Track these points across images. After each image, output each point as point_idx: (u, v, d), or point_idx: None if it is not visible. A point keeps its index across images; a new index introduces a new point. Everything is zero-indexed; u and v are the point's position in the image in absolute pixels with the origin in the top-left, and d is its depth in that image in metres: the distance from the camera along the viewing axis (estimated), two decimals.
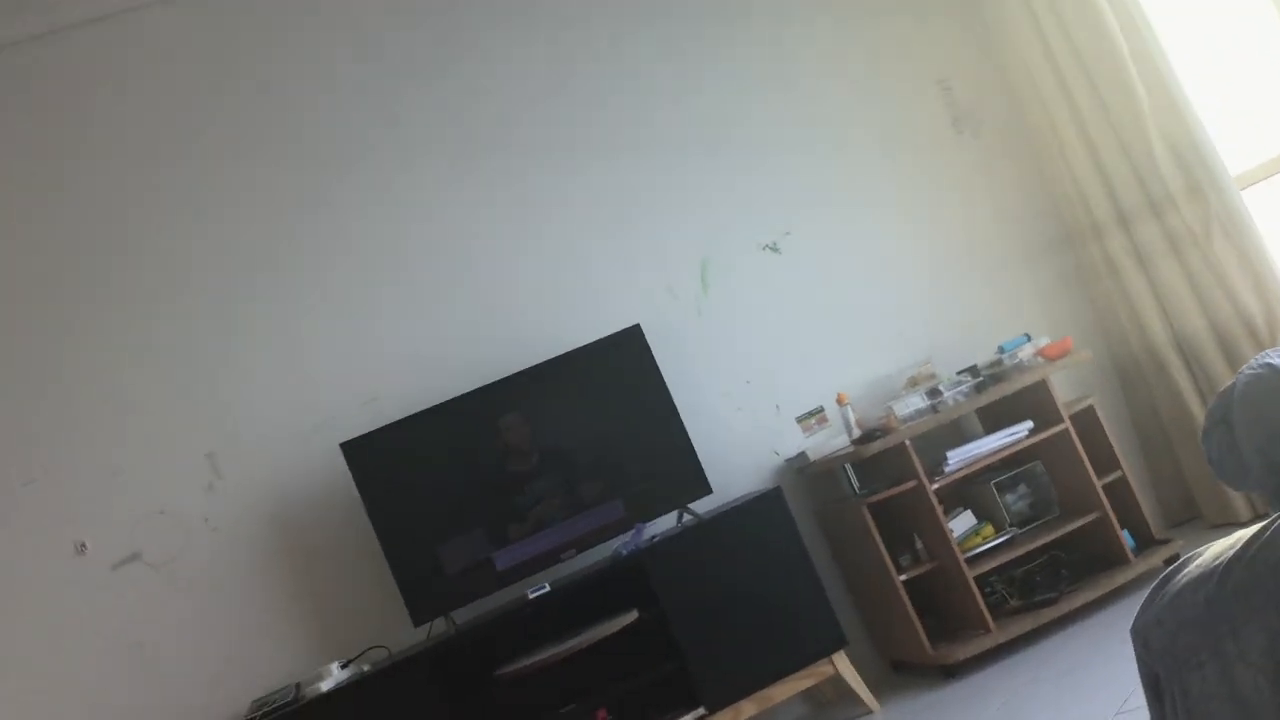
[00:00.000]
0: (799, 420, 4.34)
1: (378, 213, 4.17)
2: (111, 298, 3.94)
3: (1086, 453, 4.02)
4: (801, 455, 4.22)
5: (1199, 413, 4.16)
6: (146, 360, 3.93)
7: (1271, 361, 2.52)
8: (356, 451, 3.76)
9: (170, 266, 3.99)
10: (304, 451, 3.93)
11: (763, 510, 3.87)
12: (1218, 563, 1.25)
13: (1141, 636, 1.31)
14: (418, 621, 3.72)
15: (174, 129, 4.06)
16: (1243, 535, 1.26)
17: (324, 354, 4.04)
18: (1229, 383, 2.58)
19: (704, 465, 3.96)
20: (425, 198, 4.21)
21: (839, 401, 4.16)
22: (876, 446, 3.92)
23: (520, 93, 4.34)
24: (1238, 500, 4.14)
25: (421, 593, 3.74)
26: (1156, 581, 1.35)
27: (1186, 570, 1.30)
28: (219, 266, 4.03)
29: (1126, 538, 4.02)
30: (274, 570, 3.89)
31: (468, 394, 3.87)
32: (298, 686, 3.61)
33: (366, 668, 3.69)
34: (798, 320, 4.41)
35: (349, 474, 3.75)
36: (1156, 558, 3.99)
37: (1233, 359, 4.09)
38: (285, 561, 3.90)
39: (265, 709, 3.53)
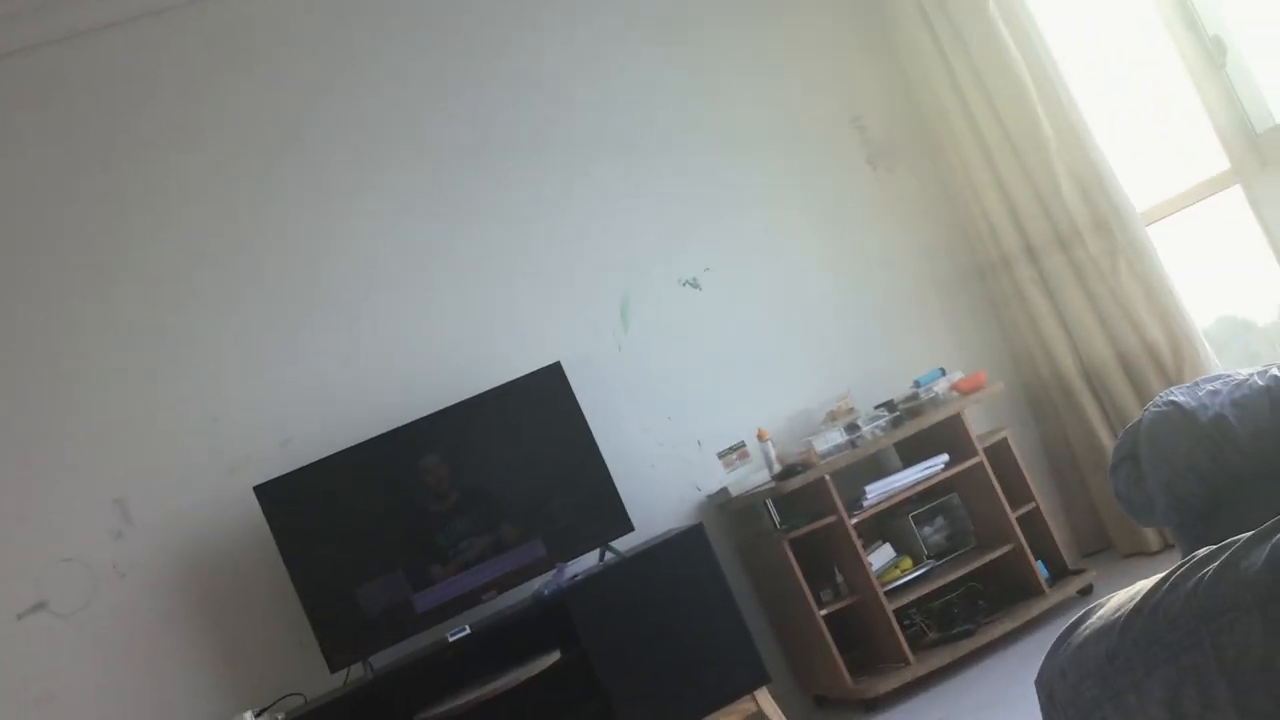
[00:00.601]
0: (720, 456, 4.35)
1: (294, 251, 4.11)
2: (16, 335, 3.83)
3: (1001, 484, 4.09)
4: (723, 491, 4.23)
5: (1109, 443, 4.25)
6: (51, 401, 3.82)
7: (1175, 399, 2.59)
8: (271, 494, 3.70)
9: (77, 304, 3.90)
10: (217, 495, 3.85)
11: (685, 547, 3.87)
12: (1119, 614, 1.27)
13: (1046, 688, 1.32)
14: (334, 667, 3.65)
15: (79, 169, 3.97)
16: (1143, 587, 1.28)
17: (238, 394, 3.97)
18: (1136, 419, 2.65)
19: (625, 502, 3.95)
20: (341, 235, 4.16)
21: (759, 437, 4.19)
22: (797, 482, 3.95)
23: (442, 129, 4.32)
24: (1148, 531, 4.24)
25: (338, 637, 3.67)
26: (1061, 632, 1.37)
27: (1090, 621, 1.32)
28: (129, 304, 3.94)
29: (1041, 568, 4.09)
30: (186, 617, 3.79)
31: (385, 434, 3.83)
32: None
33: (281, 716, 3.61)
34: (718, 355, 4.43)
35: (263, 517, 3.68)
36: (1071, 588, 4.06)
37: (1140, 390, 4.20)
38: (198, 608, 3.81)
39: None
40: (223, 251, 4.05)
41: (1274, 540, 1.15)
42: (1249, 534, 1.19)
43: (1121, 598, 1.30)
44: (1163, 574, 1.26)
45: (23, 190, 3.92)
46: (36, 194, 3.92)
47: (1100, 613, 1.31)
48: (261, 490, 3.69)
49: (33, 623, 3.68)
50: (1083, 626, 1.31)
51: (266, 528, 3.68)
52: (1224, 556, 1.18)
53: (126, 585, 3.76)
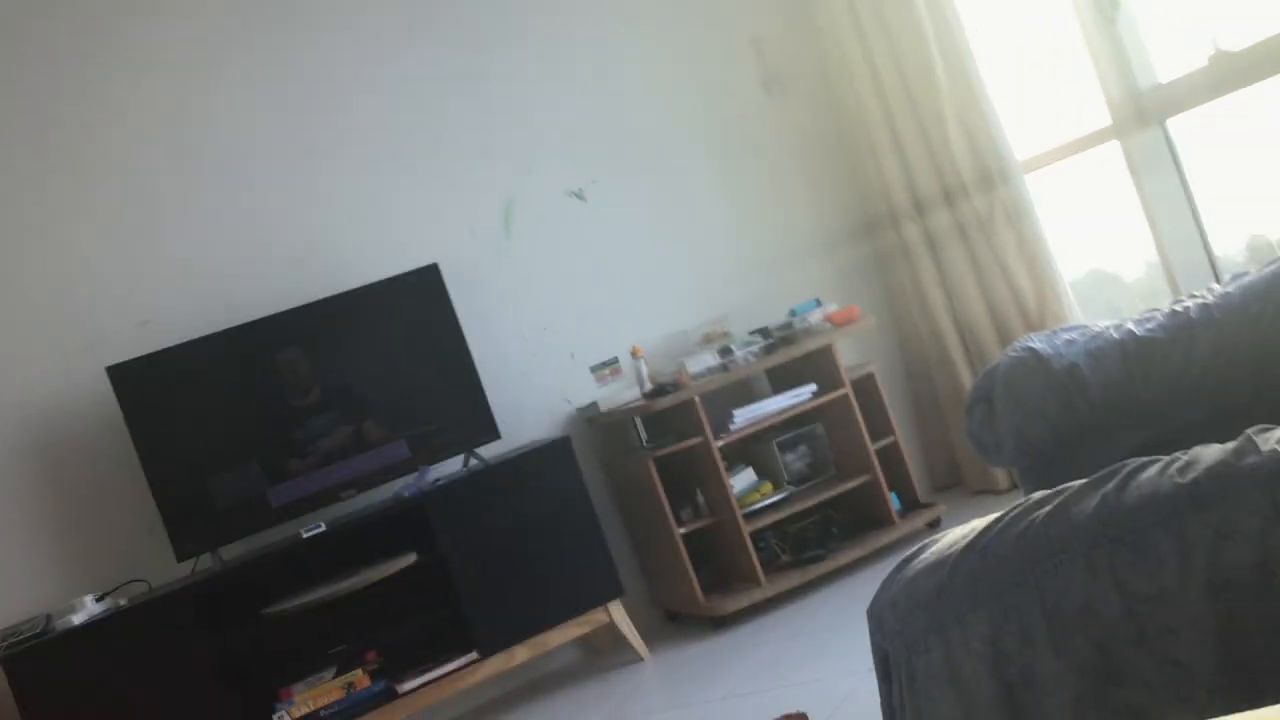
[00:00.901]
0: (593, 370, 4.35)
1: (160, 122, 3.92)
2: None
3: (864, 418, 4.18)
4: (593, 405, 4.23)
5: (969, 384, 4.36)
6: None
7: (1033, 345, 2.66)
8: (124, 376, 3.56)
9: None
10: (68, 372, 3.70)
11: (550, 458, 3.88)
12: (952, 550, 1.30)
13: (876, 618, 1.36)
14: (181, 556, 3.57)
15: None
16: (978, 525, 1.31)
17: (94, 270, 3.80)
18: (994, 363, 2.71)
19: (494, 410, 3.93)
20: (213, 108, 3.98)
21: (633, 354, 4.19)
22: (667, 401, 3.97)
23: (330, 22, 4.14)
24: (998, 471, 4.38)
25: (187, 527, 3.59)
26: (896, 565, 1.40)
27: (923, 555, 1.35)
28: None
29: (894, 500, 4.21)
30: (26, 495, 3.66)
31: (250, 323, 3.72)
32: (48, 618, 3.42)
33: (124, 601, 3.53)
34: (598, 270, 4.40)
35: (115, 399, 3.55)
36: (920, 520, 4.19)
37: (1005, 336, 4.31)
38: (40, 486, 3.67)
39: (11, 640, 3.34)
40: (84, 118, 3.84)
41: (1105, 489, 1.19)
42: (1083, 481, 1.22)
43: (955, 535, 1.34)
44: (997, 514, 1.29)
45: None
46: None
47: (934, 548, 1.34)
48: (115, 370, 3.56)
49: None
50: (916, 560, 1.34)
51: (119, 410, 3.56)
52: (1057, 501, 1.22)
53: None
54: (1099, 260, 4.67)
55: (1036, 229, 4.20)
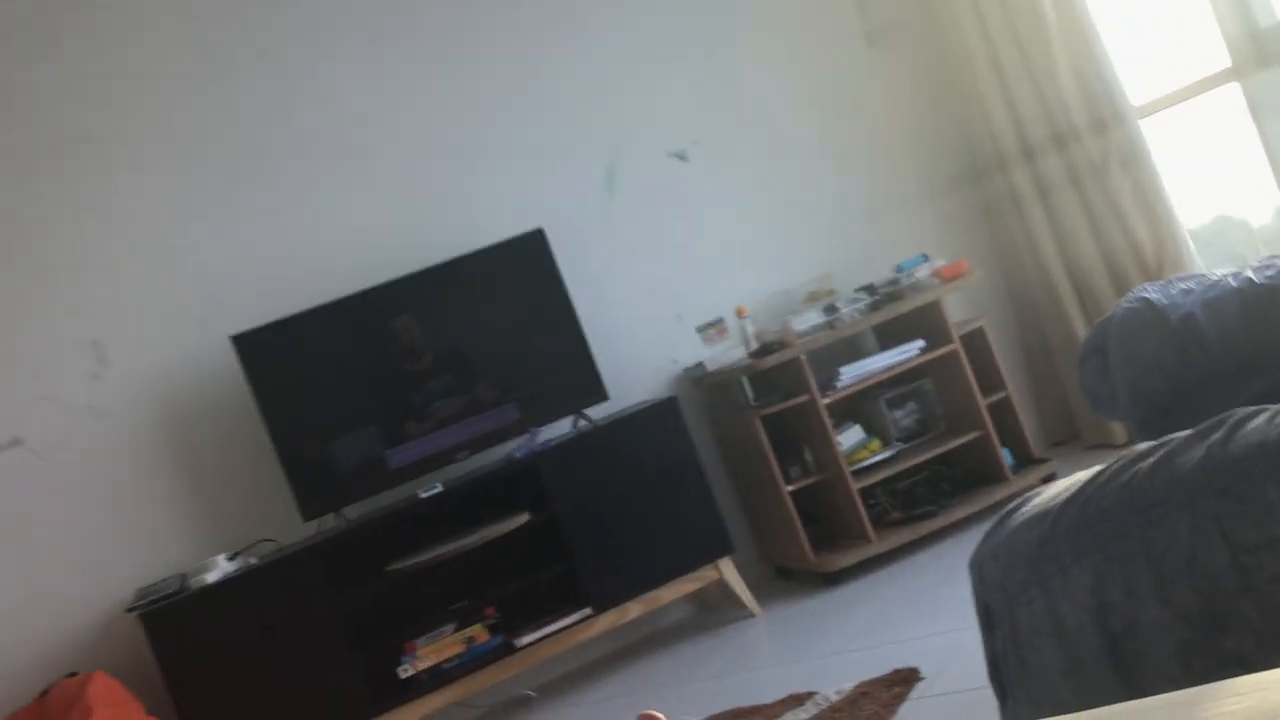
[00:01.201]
0: (699, 331, 4.37)
1: (276, 102, 4.04)
2: None
3: (974, 372, 4.13)
4: (699, 365, 4.26)
5: (1084, 337, 4.27)
6: (31, 242, 3.80)
7: (1147, 296, 2.60)
8: (248, 344, 3.71)
9: (60, 148, 3.84)
10: (194, 342, 3.86)
11: (657, 418, 3.92)
12: (1054, 502, 1.30)
13: (978, 568, 1.36)
14: (307, 516, 3.71)
15: (64, 5, 3.87)
16: (1081, 477, 1.31)
17: (218, 244, 3.95)
18: (1107, 314, 2.66)
19: (602, 372, 3.98)
20: (327, 87, 4.09)
21: (738, 314, 4.19)
22: (772, 360, 3.97)
23: None
24: (1115, 424, 4.29)
25: (312, 488, 3.72)
26: (998, 517, 1.40)
27: (1025, 508, 1.35)
28: (112, 149, 3.88)
29: (1006, 456, 4.16)
30: (161, 461, 3.84)
31: (364, 291, 3.82)
32: (184, 577, 3.60)
33: (254, 560, 3.69)
34: (702, 230, 4.41)
35: (240, 367, 3.70)
36: (1034, 476, 4.13)
37: (1120, 287, 4.20)
38: (173, 452, 3.85)
39: (150, 598, 3.52)
40: (208, 101, 3.98)
41: (1210, 440, 1.17)
42: (1188, 431, 1.21)
43: (1058, 487, 1.33)
44: (1101, 466, 1.29)
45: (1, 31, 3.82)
46: (15, 35, 3.83)
47: (1036, 500, 1.34)
48: (239, 339, 3.70)
49: (8, 458, 3.71)
50: (1018, 513, 1.35)
51: (243, 377, 3.71)
52: (1161, 452, 1.21)
53: (103, 426, 3.79)
54: (1224, 206, 4.52)
55: (1153, 175, 4.09)
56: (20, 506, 3.71)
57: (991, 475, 4.17)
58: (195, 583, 3.54)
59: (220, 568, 3.60)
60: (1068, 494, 1.28)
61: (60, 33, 3.87)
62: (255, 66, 4.03)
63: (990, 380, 4.21)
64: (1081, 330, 4.36)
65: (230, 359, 3.72)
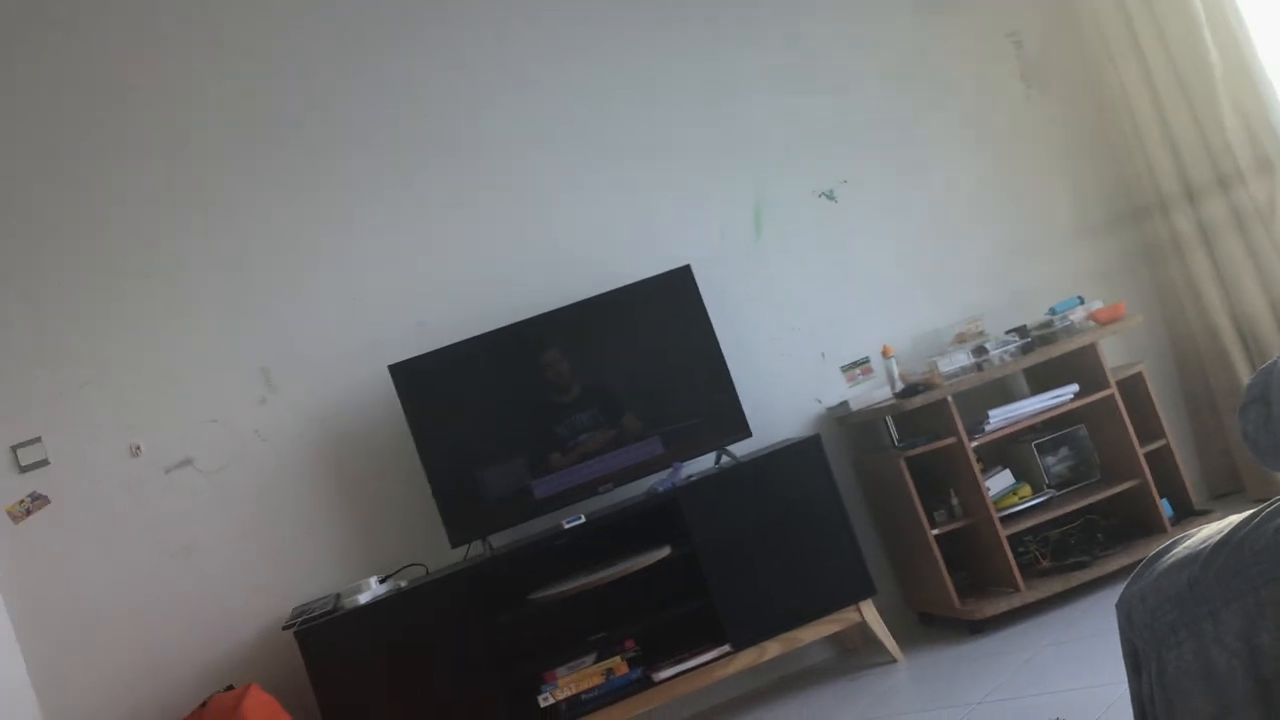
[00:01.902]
0: (843, 370, 4.35)
1: (435, 142, 4.20)
2: (177, 207, 4.02)
3: (1131, 420, 4.00)
4: (843, 405, 4.23)
5: None
6: (208, 272, 4.03)
7: None
8: (404, 374, 3.85)
9: (236, 189, 4.07)
10: (354, 371, 4.02)
11: (800, 456, 3.91)
12: (1204, 545, 1.27)
13: (1125, 610, 1.33)
14: (455, 543, 3.82)
15: (242, 59, 4.11)
16: (1232, 520, 1.27)
17: (377, 277, 4.12)
18: (1271, 360, 2.56)
19: (745, 408, 3.99)
20: (484, 131, 4.24)
21: (884, 354, 4.16)
22: (918, 401, 3.92)
23: (581, 36, 4.33)
24: None
25: (460, 515, 3.83)
26: (1147, 559, 1.37)
27: (1175, 550, 1.32)
28: (283, 187, 4.09)
29: (1165, 507, 4.00)
30: (319, 484, 4.00)
31: (515, 324, 3.93)
32: (337, 597, 3.73)
33: (404, 583, 3.81)
34: (848, 270, 4.40)
35: (396, 395, 3.84)
36: (1194, 528, 3.96)
37: None
38: (330, 477, 4.01)
39: (305, 616, 3.65)
40: (374, 142, 4.17)
41: None
42: None
43: (1209, 530, 1.30)
44: (1255, 509, 1.25)
45: (182, 51, 4.08)
46: (199, 60, 4.09)
47: (1187, 543, 1.31)
48: (396, 369, 3.84)
49: (179, 478, 3.93)
50: (1168, 555, 1.32)
51: (399, 405, 3.84)
52: None
53: (266, 449, 3.98)
54: None
55: None
56: (187, 524, 3.91)
57: (1150, 526, 4.02)
58: (348, 603, 3.67)
59: (371, 589, 3.72)
60: (1219, 537, 1.25)
61: (239, 78, 4.11)
62: (415, 114, 4.20)
63: (1149, 428, 4.07)
64: (1246, 378, 4.18)
65: (388, 388, 3.86)
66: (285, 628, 3.67)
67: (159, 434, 3.93)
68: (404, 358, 3.88)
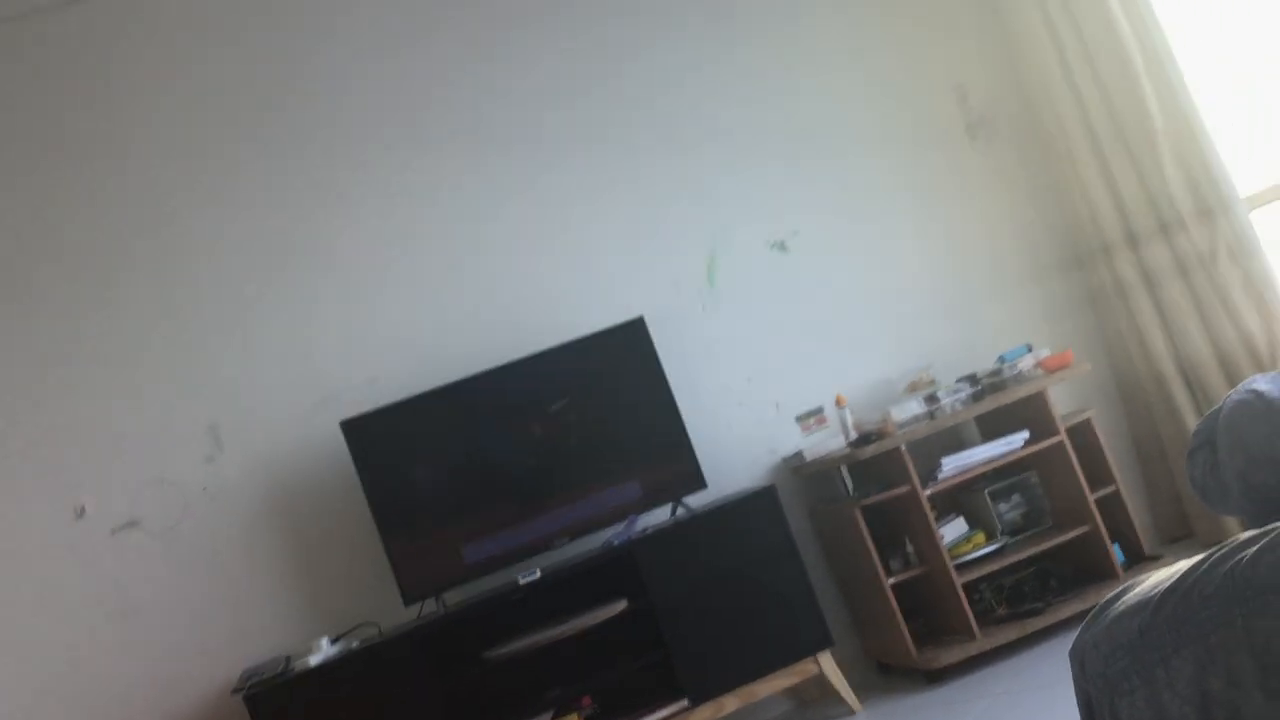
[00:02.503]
0: (798, 420, 4.36)
1: (386, 197, 4.21)
2: (121, 266, 3.99)
3: (1081, 466, 4.03)
4: (798, 455, 4.24)
5: None
6: (155, 330, 3.99)
7: (1258, 388, 2.54)
8: (355, 430, 3.81)
9: (181, 242, 4.04)
10: (304, 428, 3.98)
11: (756, 507, 3.90)
12: (1155, 591, 1.27)
13: (1078, 658, 1.34)
14: (408, 601, 3.77)
15: (190, 110, 4.10)
16: (1182, 566, 1.28)
17: (328, 333, 4.09)
18: (1216, 406, 2.60)
19: (700, 460, 3.99)
20: (434, 184, 4.25)
21: (838, 403, 4.18)
22: (872, 450, 3.94)
23: (532, 85, 4.36)
24: (1230, 521, 4.14)
25: (413, 573, 3.78)
26: (1099, 605, 1.37)
27: (1127, 597, 1.32)
28: (230, 243, 4.08)
29: (1117, 552, 4.04)
30: (269, 544, 3.94)
31: (467, 379, 3.91)
32: (288, 659, 3.66)
33: (356, 644, 3.75)
34: (801, 320, 4.43)
35: (347, 452, 3.80)
36: (1145, 574, 3.99)
37: (1233, 380, 4.09)
38: (281, 536, 3.95)
39: (254, 680, 3.58)
40: (323, 196, 4.16)
41: None
42: None
43: (1160, 575, 1.31)
44: (1204, 553, 1.26)
45: (134, 119, 4.06)
46: (159, 125, 4.07)
47: (1138, 589, 1.32)
48: (348, 425, 3.81)
49: (125, 538, 3.86)
50: (1120, 601, 1.32)
51: (350, 462, 3.80)
52: (1264, 540, 1.18)
53: (215, 508, 3.92)
54: None
55: (1264, 266, 4.00)
56: (134, 586, 3.84)
57: (1102, 572, 4.05)
58: (299, 665, 3.60)
59: (323, 650, 3.66)
60: (1169, 582, 1.25)
61: (185, 134, 4.09)
62: (362, 166, 4.20)
63: (1099, 474, 4.11)
64: (1193, 424, 4.24)
65: (339, 445, 3.82)
66: (234, 692, 3.59)
67: (105, 494, 3.86)
68: (356, 414, 3.85)
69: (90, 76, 4.05)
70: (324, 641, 3.70)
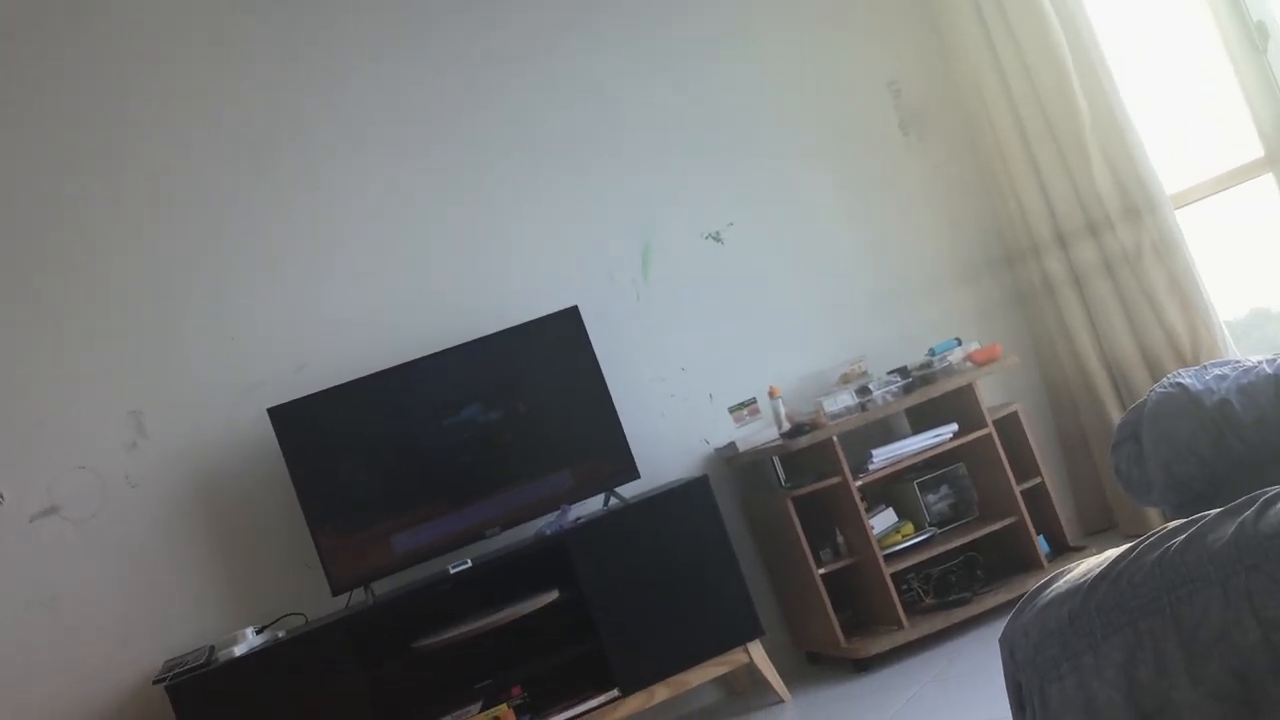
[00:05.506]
0: (731, 410, 4.37)
1: (317, 181, 4.13)
2: (40, 250, 3.88)
3: (1008, 458, 4.10)
4: (731, 445, 4.25)
5: None
6: (76, 314, 3.88)
7: (1182, 381, 2.59)
8: (284, 417, 3.75)
9: (103, 223, 3.94)
10: (231, 415, 3.91)
11: (689, 498, 3.91)
12: (1085, 579, 1.29)
13: (1008, 645, 1.35)
14: (336, 591, 3.72)
15: (111, 97, 4.00)
16: (1111, 554, 1.30)
17: (256, 319, 4.02)
18: (1141, 399, 2.65)
19: (634, 450, 3.99)
20: (366, 168, 4.19)
21: (771, 394, 4.20)
22: (804, 441, 3.96)
23: (472, 74, 4.32)
24: (1152, 512, 4.23)
25: (341, 562, 3.73)
26: (1029, 593, 1.39)
27: (1056, 585, 1.34)
28: (153, 224, 3.98)
29: (1042, 543, 4.10)
30: (194, 532, 3.86)
31: (398, 366, 3.87)
32: (211, 649, 3.59)
33: (282, 634, 3.69)
34: (736, 311, 4.44)
35: (275, 439, 3.73)
36: (1071, 564, 4.07)
37: (1157, 376, 4.17)
38: (206, 524, 3.88)
39: (177, 670, 3.51)
40: (248, 180, 4.08)
41: (1243, 517, 1.17)
42: (1220, 509, 1.21)
43: (1089, 564, 1.33)
44: (1132, 543, 1.28)
45: (55, 109, 3.95)
46: (71, 114, 3.96)
47: (1067, 577, 1.33)
48: (275, 412, 3.74)
49: (44, 526, 3.76)
50: (1049, 589, 1.34)
51: (278, 450, 3.74)
52: (1193, 529, 1.20)
53: (137, 496, 3.83)
54: (1260, 299, 4.50)
55: (1188, 264, 4.08)
56: (53, 575, 3.75)
57: (1027, 563, 4.11)
58: (223, 655, 3.54)
59: (248, 640, 3.60)
60: (1098, 570, 1.27)
61: (103, 114, 3.99)
62: (300, 152, 4.13)
63: (1025, 466, 4.17)
64: (1117, 418, 4.31)
65: (266, 432, 3.76)
66: (156, 681, 3.52)
67: (23, 481, 3.75)
68: (283, 400, 3.78)
69: (6, 63, 3.93)
70: (249, 631, 3.64)
